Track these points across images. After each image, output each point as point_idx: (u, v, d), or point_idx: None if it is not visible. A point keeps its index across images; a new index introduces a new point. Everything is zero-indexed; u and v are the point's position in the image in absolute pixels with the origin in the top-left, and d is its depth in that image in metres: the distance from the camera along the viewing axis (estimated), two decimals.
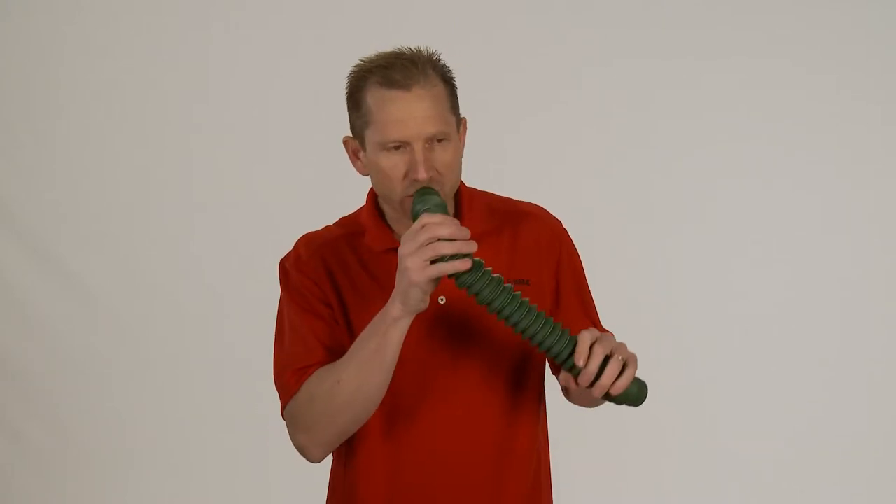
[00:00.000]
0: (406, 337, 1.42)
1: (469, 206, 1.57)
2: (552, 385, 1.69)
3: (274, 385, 1.56)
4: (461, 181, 1.56)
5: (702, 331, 3.25)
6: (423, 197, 1.41)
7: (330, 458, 1.61)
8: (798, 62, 3.28)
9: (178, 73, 3.38)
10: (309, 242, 1.59)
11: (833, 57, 3.27)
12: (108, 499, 3.45)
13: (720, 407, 3.33)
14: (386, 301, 1.42)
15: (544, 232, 1.62)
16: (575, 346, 1.35)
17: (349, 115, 1.50)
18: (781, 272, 3.31)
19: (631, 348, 1.40)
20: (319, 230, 1.63)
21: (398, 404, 1.53)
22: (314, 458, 1.54)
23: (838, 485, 3.28)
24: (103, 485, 3.46)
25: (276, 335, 1.58)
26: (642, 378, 1.42)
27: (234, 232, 3.37)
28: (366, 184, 1.57)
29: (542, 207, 1.67)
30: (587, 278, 1.68)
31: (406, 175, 1.44)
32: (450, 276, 1.35)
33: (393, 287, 1.40)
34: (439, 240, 1.33)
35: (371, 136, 1.45)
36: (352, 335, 1.52)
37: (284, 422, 1.54)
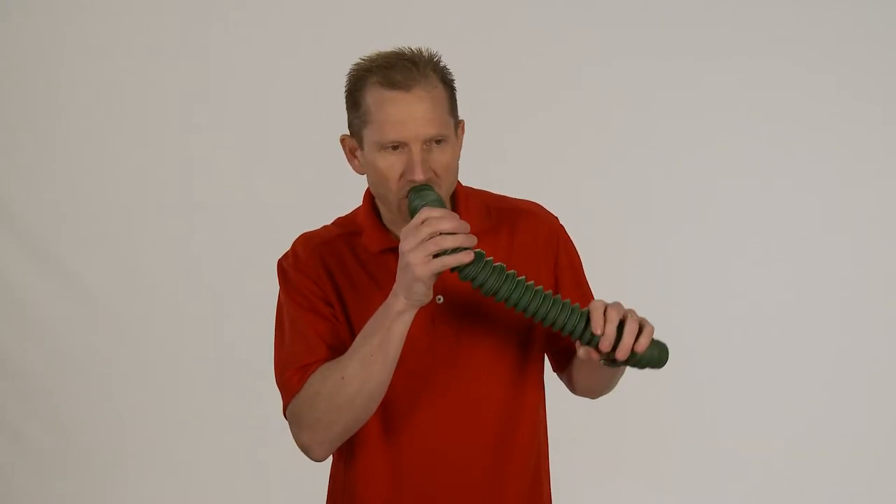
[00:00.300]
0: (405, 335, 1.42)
1: (466, 205, 1.57)
2: (552, 385, 1.69)
3: (276, 385, 1.56)
4: (457, 181, 1.56)
5: (702, 331, 3.25)
6: (420, 193, 1.41)
7: (330, 458, 1.60)
8: (798, 62, 3.28)
9: (178, 73, 3.38)
10: (307, 242, 1.59)
11: (833, 57, 3.27)
12: (108, 499, 3.46)
13: (720, 407, 3.34)
14: (384, 300, 1.42)
15: (541, 229, 1.62)
16: (588, 316, 1.35)
17: (347, 113, 1.50)
18: (781, 272, 3.31)
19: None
20: (317, 230, 1.63)
21: (398, 403, 1.53)
22: (318, 457, 1.53)
23: (838, 485, 3.28)
24: (103, 485, 3.46)
25: (275, 335, 1.58)
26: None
27: (234, 232, 3.37)
28: (365, 183, 1.57)
29: (538, 204, 1.67)
30: (587, 277, 1.68)
31: (402, 175, 1.44)
32: (452, 269, 1.35)
33: (390, 286, 1.41)
34: (441, 234, 1.33)
35: (369, 135, 1.45)
36: (351, 333, 1.52)
37: (287, 421, 1.54)
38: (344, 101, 1.50)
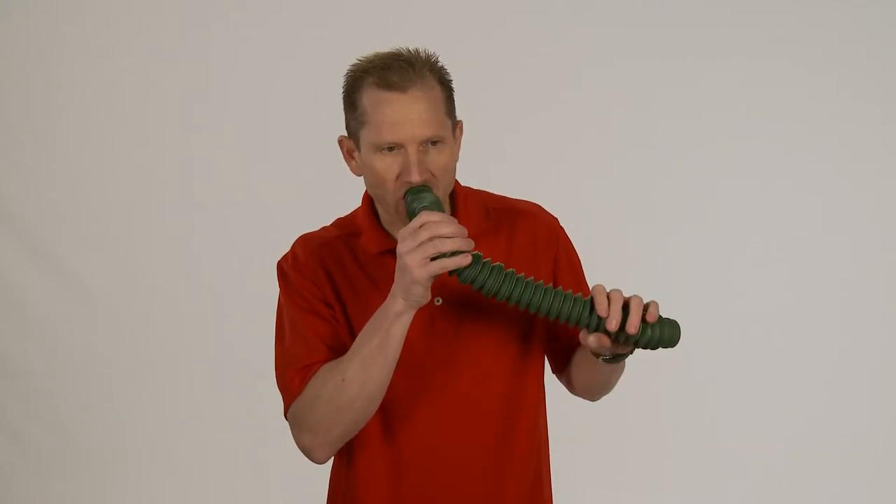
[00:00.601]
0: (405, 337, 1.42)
1: (464, 205, 1.57)
2: (552, 386, 1.69)
3: (276, 386, 1.56)
4: (456, 180, 1.56)
5: (702, 331, 3.23)
6: (418, 195, 1.41)
7: (331, 458, 1.61)
8: (798, 62, 3.28)
9: (178, 73, 3.38)
10: (306, 243, 1.59)
11: (833, 57, 3.27)
12: (108, 499, 3.46)
13: (720, 407, 3.34)
14: (383, 301, 1.42)
15: (541, 230, 1.62)
16: (592, 302, 1.35)
17: (345, 114, 1.50)
18: (781, 272, 3.31)
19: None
20: (316, 231, 1.63)
21: (397, 403, 1.53)
22: (319, 459, 1.54)
23: (838, 485, 3.28)
24: (103, 485, 3.46)
25: (276, 336, 1.58)
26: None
27: (234, 232, 3.37)
28: (364, 184, 1.57)
29: (537, 205, 1.67)
30: (586, 277, 1.68)
31: (399, 177, 1.43)
32: (451, 273, 1.35)
33: (389, 287, 1.41)
34: (439, 237, 1.33)
35: (366, 136, 1.45)
36: (351, 334, 1.53)
37: (287, 423, 1.54)
38: (342, 102, 1.50)
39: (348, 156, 1.54)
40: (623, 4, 3.31)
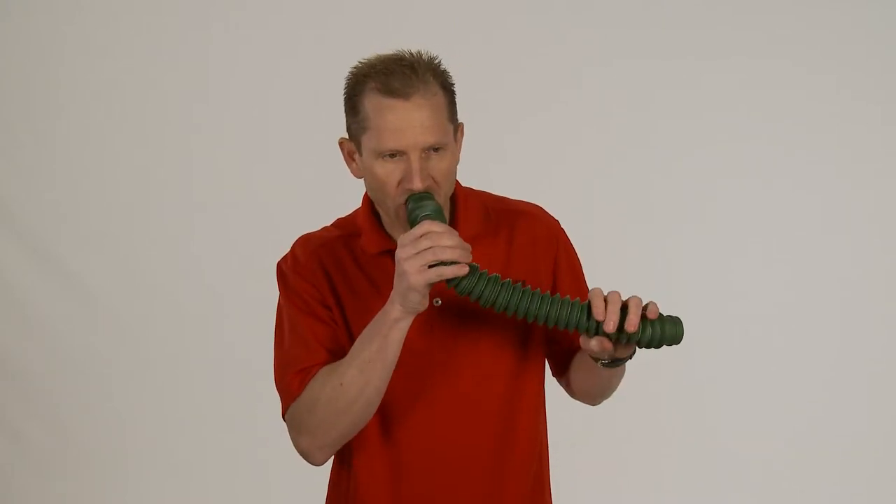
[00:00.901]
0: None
1: (465, 206, 1.57)
2: (552, 385, 1.69)
3: (275, 387, 1.56)
4: (457, 181, 1.55)
5: (702, 331, 3.23)
6: (420, 202, 1.40)
7: (329, 459, 1.61)
8: (798, 62, 3.28)
9: (178, 73, 3.38)
10: (306, 244, 1.59)
11: (833, 57, 3.27)
12: (108, 499, 3.46)
13: (720, 407, 3.34)
14: (382, 302, 1.43)
15: (541, 231, 1.61)
16: (589, 306, 1.34)
17: (346, 117, 1.49)
18: (781, 272, 3.31)
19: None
20: (317, 231, 1.62)
21: (396, 405, 1.53)
22: (317, 462, 1.54)
23: (838, 485, 3.28)
24: (103, 485, 3.46)
25: (275, 337, 1.58)
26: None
27: (234, 232, 3.37)
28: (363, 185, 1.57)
29: (539, 207, 1.66)
30: (587, 278, 1.68)
31: (400, 183, 1.43)
32: (449, 284, 1.35)
33: (388, 289, 1.41)
34: (439, 246, 1.33)
35: (367, 142, 1.44)
36: (349, 335, 1.53)
37: (285, 424, 1.54)
38: (343, 104, 1.49)
39: (349, 158, 1.53)
40: (623, 4, 3.31)
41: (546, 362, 1.65)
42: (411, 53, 1.45)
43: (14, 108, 3.41)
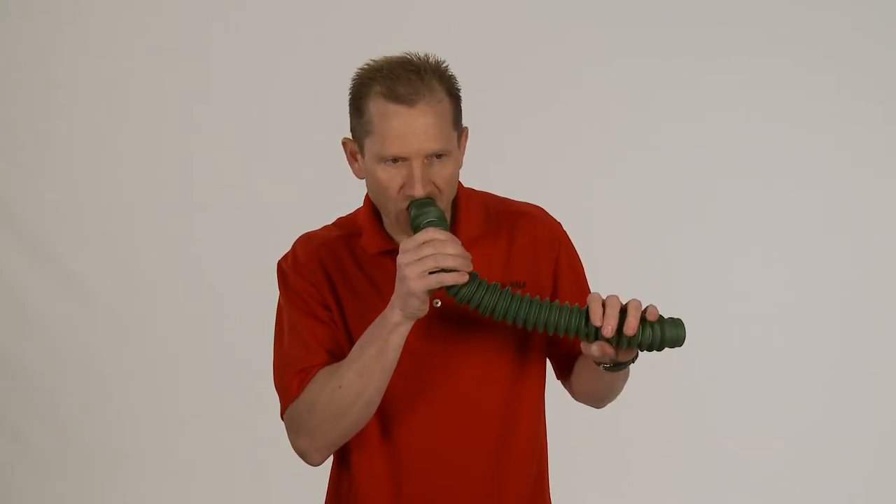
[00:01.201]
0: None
1: (466, 207, 1.56)
2: (552, 388, 1.69)
3: (274, 387, 1.56)
4: (458, 182, 1.55)
5: (702, 331, 3.23)
6: (422, 209, 1.40)
7: (329, 460, 1.61)
8: (798, 62, 3.28)
9: (178, 73, 3.38)
10: (306, 243, 1.59)
11: (833, 57, 3.27)
12: (108, 499, 3.45)
13: (720, 407, 3.34)
14: (381, 302, 1.43)
15: (542, 232, 1.61)
16: (587, 312, 1.34)
17: (350, 118, 1.48)
18: (781, 272, 3.31)
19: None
20: (318, 230, 1.62)
21: (396, 405, 1.53)
22: (315, 462, 1.54)
23: (838, 485, 3.28)
24: (103, 485, 3.46)
25: (275, 336, 1.58)
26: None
27: (234, 232, 3.37)
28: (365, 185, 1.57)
29: (540, 208, 1.66)
30: (588, 278, 1.67)
31: (402, 188, 1.43)
32: (449, 292, 1.36)
33: (388, 289, 1.41)
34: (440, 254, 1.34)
35: (370, 145, 1.44)
36: (349, 335, 1.53)
37: (284, 423, 1.54)
38: (345, 102, 1.49)
39: (351, 158, 1.53)
40: (623, 4, 3.31)
41: (548, 363, 1.65)
42: (418, 57, 1.44)
43: (14, 108, 3.41)
